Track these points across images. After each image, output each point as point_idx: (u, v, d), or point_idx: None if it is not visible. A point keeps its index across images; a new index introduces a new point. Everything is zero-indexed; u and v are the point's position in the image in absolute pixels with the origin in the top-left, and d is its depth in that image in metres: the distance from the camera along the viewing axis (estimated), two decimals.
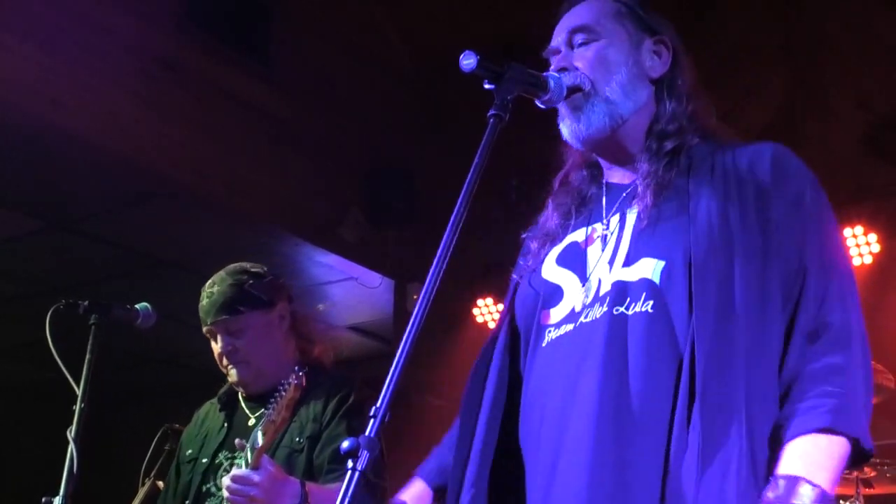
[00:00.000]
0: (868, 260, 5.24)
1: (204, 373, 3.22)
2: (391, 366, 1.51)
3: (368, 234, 6.43)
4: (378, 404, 1.47)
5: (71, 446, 2.67)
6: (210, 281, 3.08)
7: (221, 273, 3.09)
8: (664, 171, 1.88)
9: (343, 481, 2.85)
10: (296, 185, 6.11)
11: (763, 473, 1.64)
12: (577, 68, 1.95)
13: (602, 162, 2.04)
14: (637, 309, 1.77)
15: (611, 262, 1.86)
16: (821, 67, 5.67)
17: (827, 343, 1.70)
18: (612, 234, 1.90)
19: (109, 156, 5.20)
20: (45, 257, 6.39)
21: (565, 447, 1.76)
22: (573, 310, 1.87)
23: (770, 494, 1.58)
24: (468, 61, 1.76)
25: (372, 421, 1.46)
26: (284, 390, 2.66)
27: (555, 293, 1.92)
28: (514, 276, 2.05)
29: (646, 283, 1.78)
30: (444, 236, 1.61)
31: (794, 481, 1.58)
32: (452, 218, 1.62)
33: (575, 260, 1.93)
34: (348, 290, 6.87)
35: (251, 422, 3.04)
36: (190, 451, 3.11)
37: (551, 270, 1.96)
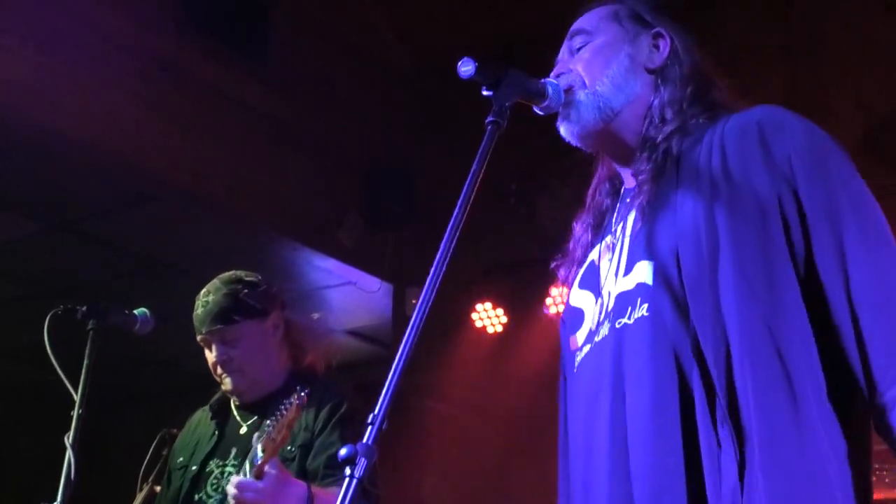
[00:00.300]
0: None
1: (202, 376, 3.21)
2: (389, 372, 1.50)
3: (366, 238, 6.42)
4: (376, 411, 1.47)
5: (69, 452, 2.67)
6: (204, 289, 3.08)
7: (216, 281, 3.10)
8: (656, 168, 1.85)
9: (340, 486, 2.86)
10: (295, 187, 6.10)
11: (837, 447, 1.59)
12: (572, 71, 1.96)
13: (616, 166, 2.04)
14: (636, 315, 1.75)
15: (616, 273, 1.85)
16: (820, 68, 5.67)
17: (872, 308, 1.60)
18: (618, 243, 1.89)
19: (108, 157, 5.20)
20: (45, 258, 6.39)
21: (591, 482, 1.75)
22: (590, 329, 1.87)
23: None
24: (466, 68, 1.76)
25: (370, 428, 1.45)
26: (286, 409, 2.67)
27: (578, 317, 1.92)
28: (546, 311, 2.10)
29: (641, 288, 1.77)
30: (443, 241, 1.61)
31: None
32: (451, 224, 1.62)
33: (591, 279, 1.93)
34: (347, 294, 6.87)
35: (243, 430, 3.05)
36: (181, 459, 3.12)
37: (575, 295, 1.97)
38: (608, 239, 1.93)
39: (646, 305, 1.74)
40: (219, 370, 3.05)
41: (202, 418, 3.21)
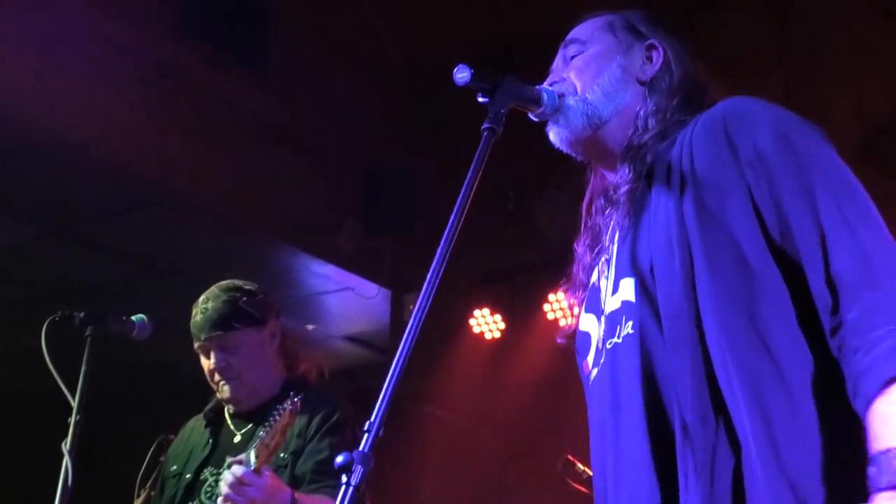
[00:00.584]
0: None
1: (201, 381, 3.21)
2: (386, 379, 1.50)
3: (365, 244, 6.43)
4: (373, 418, 1.47)
5: (66, 458, 2.67)
6: (203, 297, 3.10)
7: (214, 289, 3.11)
8: (635, 178, 1.85)
9: (324, 494, 2.86)
10: (293, 192, 6.11)
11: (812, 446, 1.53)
12: (565, 79, 1.97)
13: (607, 176, 2.03)
14: (623, 333, 1.76)
15: (609, 293, 1.85)
16: (817, 73, 5.68)
17: (853, 285, 1.52)
18: (611, 260, 1.89)
19: (107, 161, 5.21)
20: (43, 263, 6.39)
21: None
22: (595, 352, 1.87)
23: (871, 472, 1.43)
24: (462, 75, 1.77)
25: (366, 435, 1.45)
26: (280, 415, 2.68)
27: (586, 341, 1.92)
28: (560, 341, 2.06)
29: (626, 305, 1.76)
30: (440, 248, 1.61)
31: (885, 456, 1.42)
32: (447, 230, 1.62)
33: (594, 301, 1.92)
34: (345, 299, 6.87)
35: (237, 439, 3.06)
36: (175, 467, 3.13)
37: (583, 319, 1.96)
38: (604, 258, 1.93)
39: (630, 323, 1.74)
40: (216, 377, 3.06)
41: (196, 426, 3.22)
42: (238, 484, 2.67)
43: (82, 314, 2.94)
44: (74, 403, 2.76)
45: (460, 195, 1.66)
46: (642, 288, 1.73)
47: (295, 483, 2.89)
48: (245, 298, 3.08)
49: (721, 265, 1.64)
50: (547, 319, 6.00)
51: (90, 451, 2.95)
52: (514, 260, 6.30)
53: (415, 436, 6.13)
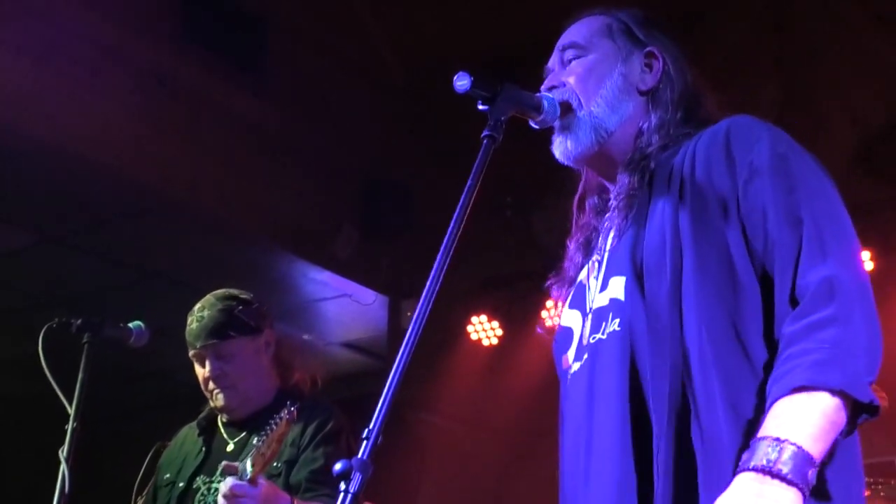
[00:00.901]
0: None
1: (197, 388, 3.21)
2: (385, 385, 1.50)
3: (363, 250, 6.43)
4: (371, 425, 1.47)
5: (63, 466, 2.67)
6: (198, 305, 3.09)
7: (209, 297, 3.10)
8: (636, 185, 1.86)
9: (320, 502, 2.86)
10: (291, 199, 6.11)
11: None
12: (565, 84, 1.96)
13: (601, 178, 2.04)
14: (608, 330, 1.77)
15: (598, 290, 1.86)
16: (814, 81, 5.70)
17: (809, 301, 1.56)
18: (601, 260, 1.91)
19: (105, 169, 5.21)
20: (41, 270, 6.38)
21: (573, 496, 1.78)
22: (579, 347, 1.88)
23: (744, 456, 1.50)
24: (462, 82, 1.76)
25: (364, 442, 1.45)
26: (276, 424, 2.68)
27: (568, 336, 1.93)
28: (540, 330, 2.10)
29: (614, 303, 1.78)
30: (438, 256, 1.61)
31: (761, 441, 1.48)
32: (446, 238, 1.63)
33: (580, 298, 1.94)
34: (342, 306, 6.87)
35: (230, 447, 3.07)
36: (168, 475, 3.12)
37: (565, 314, 1.97)
38: (595, 257, 1.94)
39: (617, 320, 1.76)
40: (211, 385, 3.06)
41: (189, 435, 3.22)
42: (232, 496, 2.67)
43: (79, 321, 2.94)
44: (71, 410, 2.76)
45: (460, 202, 1.66)
46: (632, 286, 1.75)
47: (289, 492, 2.89)
48: (241, 307, 3.07)
49: (709, 271, 1.67)
50: (545, 326, 6.00)
51: (87, 457, 2.94)
52: (512, 267, 6.30)
53: (413, 443, 6.12)
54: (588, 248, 2.01)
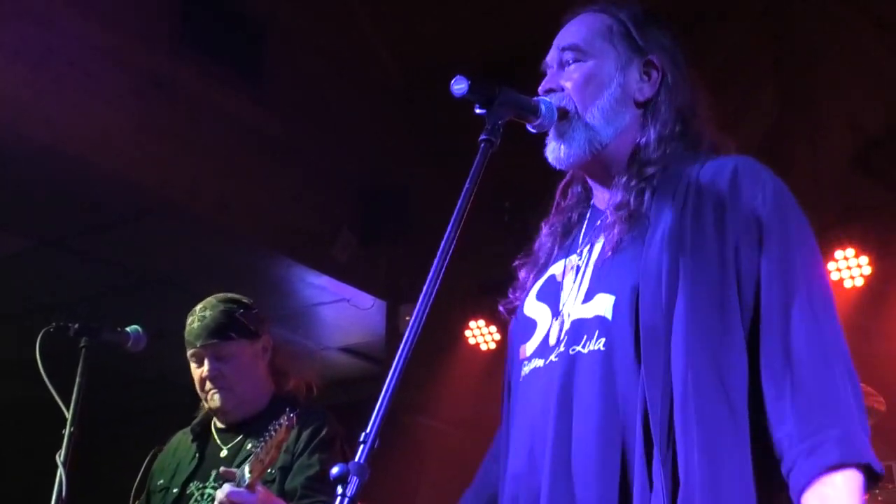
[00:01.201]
0: (859, 282, 5.25)
1: (195, 392, 3.21)
2: (381, 390, 1.50)
3: (360, 255, 6.43)
4: (368, 429, 1.47)
5: (60, 470, 2.66)
6: (200, 305, 3.11)
7: (211, 299, 3.13)
8: (634, 201, 1.85)
9: None
10: (289, 204, 6.11)
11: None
12: (563, 89, 1.94)
13: (590, 181, 2.03)
14: (591, 347, 1.76)
15: (576, 299, 1.85)
16: (812, 86, 5.70)
17: (805, 369, 1.63)
18: (582, 265, 1.90)
19: (102, 174, 5.21)
20: (39, 275, 6.38)
21: (524, 492, 1.79)
22: (544, 343, 1.87)
23: None
24: (459, 86, 1.76)
25: (362, 446, 1.45)
26: (275, 430, 2.69)
27: (530, 327, 1.93)
28: (502, 308, 2.05)
29: (599, 321, 1.77)
30: (436, 259, 1.61)
31: None
32: (443, 242, 1.62)
33: (550, 294, 1.92)
34: (340, 311, 6.86)
35: (223, 453, 3.07)
36: (161, 481, 3.13)
37: (531, 305, 1.96)
38: (573, 259, 1.93)
39: (602, 340, 1.75)
40: (207, 386, 3.07)
41: (182, 440, 3.22)
42: (229, 503, 2.67)
43: (77, 325, 2.94)
44: (69, 414, 2.76)
45: (457, 206, 1.66)
46: (622, 310, 1.74)
47: (284, 498, 2.90)
48: (242, 311, 3.10)
49: (701, 312, 1.69)
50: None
51: (84, 462, 2.94)
52: (510, 271, 6.29)
53: (411, 446, 6.12)
54: (563, 240, 2.00)
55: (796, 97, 5.73)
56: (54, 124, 4.93)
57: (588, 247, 1.92)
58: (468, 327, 6.42)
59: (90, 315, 3.07)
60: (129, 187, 5.33)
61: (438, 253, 1.62)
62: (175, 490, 3.05)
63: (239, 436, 3.07)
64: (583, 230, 1.98)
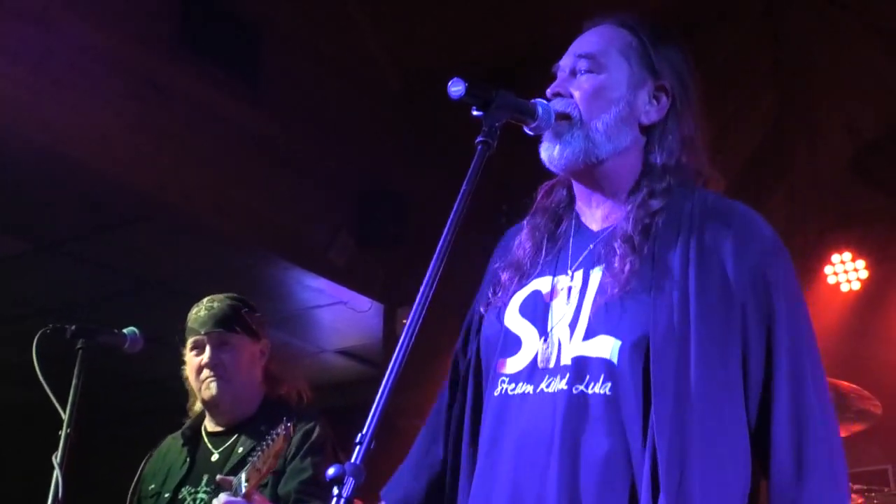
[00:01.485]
0: (856, 286, 5.26)
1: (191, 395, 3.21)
2: (377, 392, 1.50)
3: (358, 258, 6.43)
4: (364, 430, 1.47)
5: (56, 472, 2.67)
6: (208, 298, 3.17)
7: (219, 295, 3.19)
8: (639, 237, 1.83)
9: None
10: (286, 207, 6.11)
11: None
12: (571, 96, 1.92)
13: (577, 190, 2.00)
14: (596, 390, 1.75)
15: (571, 327, 1.83)
16: (809, 91, 5.71)
17: (816, 450, 1.71)
18: (575, 291, 1.87)
19: (99, 177, 5.20)
20: (35, 278, 6.37)
21: None
22: (531, 366, 1.85)
23: None
24: (456, 88, 1.75)
25: (357, 447, 1.45)
26: (272, 440, 2.70)
27: (513, 343, 1.89)
28: (480, 308, 2.01)
29: (604, 364, 1.76)
30: (432, 262, 1.61)
31: None
32: (440, 244, 1.62)
33: (537, 312, 1.89)
34: (338, 313, 6.86)
35: (214, 457, 3.07)
36: (153, 486, 3.13)
37: (513, 319, 1.92)
38: (563, 280, 1.90)
39: (609, 385, 1.75)
40: (204, 374, 3.08)
41: (172, 445, 3.22)
42: None
43: (74, 327, 2.95)
44: (65, 416, 2.76)
45: (454, 209, 1.66)
46: (630, 357, 1.74)
47: (277, 502, 2.90)
48: (247, 310, 3.17)
49: (710, 365, 1.72)
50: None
51: (81, 464, 2.94)
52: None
53: (406, 450, 6.11)
54: (546, 248, 1.97)
55: (795, 101, 5.74)
56: (52, 126, 4.93)
57: (581, 272, 1.89)
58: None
59: (88, 319, 3.07)
60: (126, 190, 5.33)
61: (435, 256, 1.62)
62: (167, 495, 3.05)
63: (230, 439, 3.08)
64: (570, 247, 1.95)
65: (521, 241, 2.02)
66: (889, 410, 3.82)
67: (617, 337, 1.76)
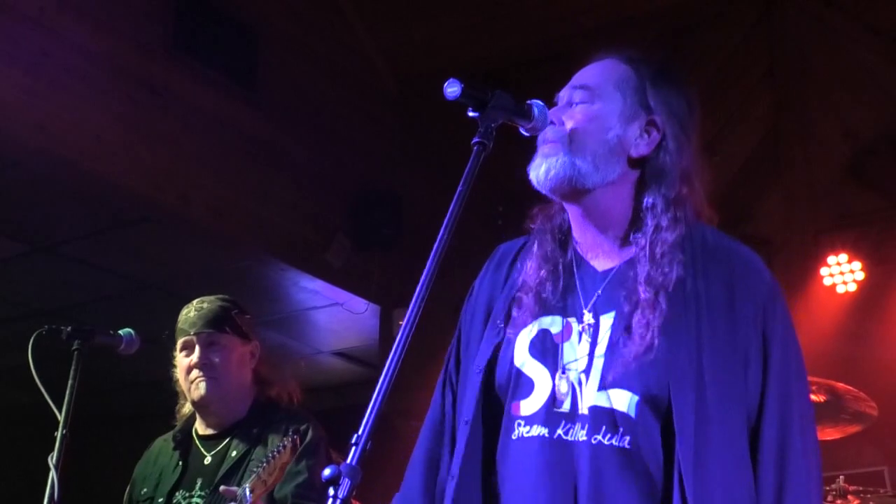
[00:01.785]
0: (852, 288, 5.26)
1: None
2: (374, 393, 1.50)
3: (354, 259, 6.43)
4: (360, 431, 1.47)
5: (52, 473, 2.66)
6: (197, 299, 3.17)
7: (210, 296, 3.18)
8: (648, 291, 1.84)
9: None
10: (283, 209, 6.11)
11: None
12: (563, 124, 1.93)
13: (571, 220, 2.00)
14: (614, 442, 1.78)
15: (586, 373, 1.84)
16: (804, 95, 5.72)
17: (799, 478, 1.78)
18: (586, 337, 1.88)
19: (95, 179, 5.20)
20: (30, 280, 6.37)
21: None
22: (546, 409, 1.85)
23: None
24: (452, 89, 1.75)
25: (353, 448, 1.45)
26: (279, 451, 2.71)
27: (525, 385, 1.89)
28: (499, 323, 1.97)
29: (621, 417, 1.79)
30: (428, 263, 1.61)
31: None
32: (436, 245, 1.63)
33: (547, 353, 1.89)
34: (334, 315, 6.86)
35: (207, 460, 3.06)
36: (145, 490, 3.11)
37: (524, 358, 1.91)
38: (574, 324, 1.90)
39: (627, 438, 1.78)
40: (193, 374, 3.07)
41: (163, 448, 3.20)
42: None
43: (69, 328, 2.94)
44: (61, 417, 2.76)
45: (450, 210, 1.66)
46: (646, 411, 1.78)
47: None
48: (237, 311, 3.17)
49: (728, 420, 1.79)
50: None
51: (76, 465, 2.94)
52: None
53: (403, 452, 6.10)
54: (552, 283, 1.95)
55: (791, 103, 5.75)
56: (48, 128, 4.93)
57: (592, 313, 1.90)
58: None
59: (83, 321, 3.07)
60: (122, 192, 5.33)
61: (431, 257, 1.62)
62: (161, 500, 3.04)
63: (222, 443, 3.07)
64: (578, 287, 1.94)
65: (534, 267, 1.99)
66: (885, 412, 3.82)
67: (634, 392, 1.79)
